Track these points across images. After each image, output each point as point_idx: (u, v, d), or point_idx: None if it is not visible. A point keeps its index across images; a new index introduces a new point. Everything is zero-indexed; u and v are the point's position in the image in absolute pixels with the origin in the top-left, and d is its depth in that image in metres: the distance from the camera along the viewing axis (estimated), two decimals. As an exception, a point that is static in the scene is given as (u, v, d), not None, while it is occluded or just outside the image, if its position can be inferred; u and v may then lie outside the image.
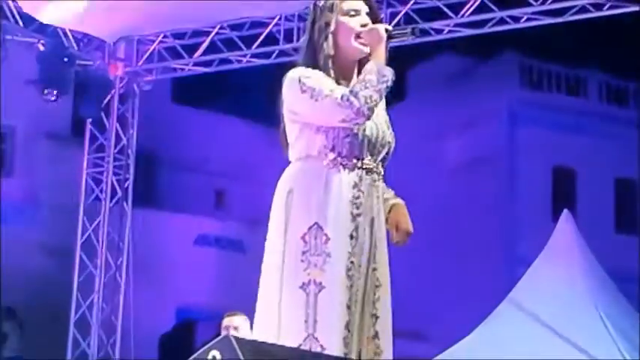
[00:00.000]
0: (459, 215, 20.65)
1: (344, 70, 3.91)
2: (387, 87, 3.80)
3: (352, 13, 3.92)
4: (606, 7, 10.14)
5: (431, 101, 21.32)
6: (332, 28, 3.89)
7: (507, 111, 21.23)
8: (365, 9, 3.95)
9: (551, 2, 10.22)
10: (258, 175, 18.25)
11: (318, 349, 3.62)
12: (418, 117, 20.19)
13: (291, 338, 3.65)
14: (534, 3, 10.27)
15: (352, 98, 3.71)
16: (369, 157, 3.86)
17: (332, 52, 3.88)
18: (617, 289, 11.16)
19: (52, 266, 15.32)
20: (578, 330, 10.15)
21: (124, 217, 11.92)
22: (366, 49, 3.89)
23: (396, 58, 3.91)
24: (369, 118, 3.79)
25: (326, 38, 3.88)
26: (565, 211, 11.51)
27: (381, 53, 3.86)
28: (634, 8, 9.99)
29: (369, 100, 3.72)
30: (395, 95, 3.85)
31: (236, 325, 7.38)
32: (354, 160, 3.81)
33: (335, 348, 3.62)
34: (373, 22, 3.95)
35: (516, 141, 21.23)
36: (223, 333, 7.26)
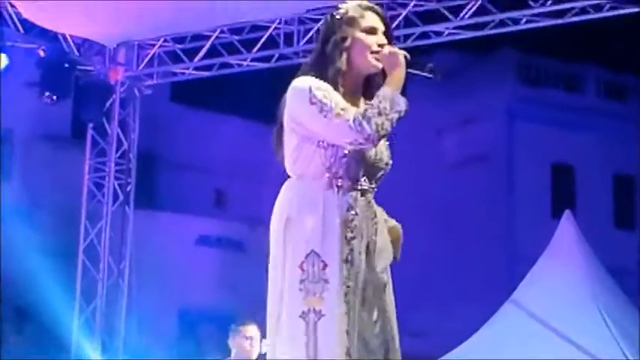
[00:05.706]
0: (457, 211, 20.66)
1: (352, 85, 3.81)
2: (400, 116, 3.68)
3: (371, 30, 3.82)
4: (606, 8, 10.10)
5: (429, 97, 21.28)
6: (348, 43, 3.79)
7: (505, 107, 21.24)
8: (382, 28, 3.85)
9: (551, 4, 10.17)
10: (258, 175, 18.27)
11: None
12: (416, 113, 20.01)
13: None
14: (534, 5, 10.21)
15: (365, 124, 3.61)
16: (365, 179, 3.77)
17: (344, 68, 3.78)
18: (618, 288, 11.18)
19: (52, 270, 15.30)
20: (581, 331, 10.18)
21: (126, 221, 11.91)
22: (379, 66, 3.79)
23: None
24: (375, 146, 3.72)
25: (340, 53, 3.78)
26: (566, 211, 11.53)
27: (398, 79, 3.74)
28: (633, 9, 9.95)
29: (380, 129, 3.63)
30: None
31: (251, 335, 7.49)
32: (350, 182, 3.72)
33: None
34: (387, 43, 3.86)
35: (514, 137, 21.24)
36: (238, 342, 7.44)
